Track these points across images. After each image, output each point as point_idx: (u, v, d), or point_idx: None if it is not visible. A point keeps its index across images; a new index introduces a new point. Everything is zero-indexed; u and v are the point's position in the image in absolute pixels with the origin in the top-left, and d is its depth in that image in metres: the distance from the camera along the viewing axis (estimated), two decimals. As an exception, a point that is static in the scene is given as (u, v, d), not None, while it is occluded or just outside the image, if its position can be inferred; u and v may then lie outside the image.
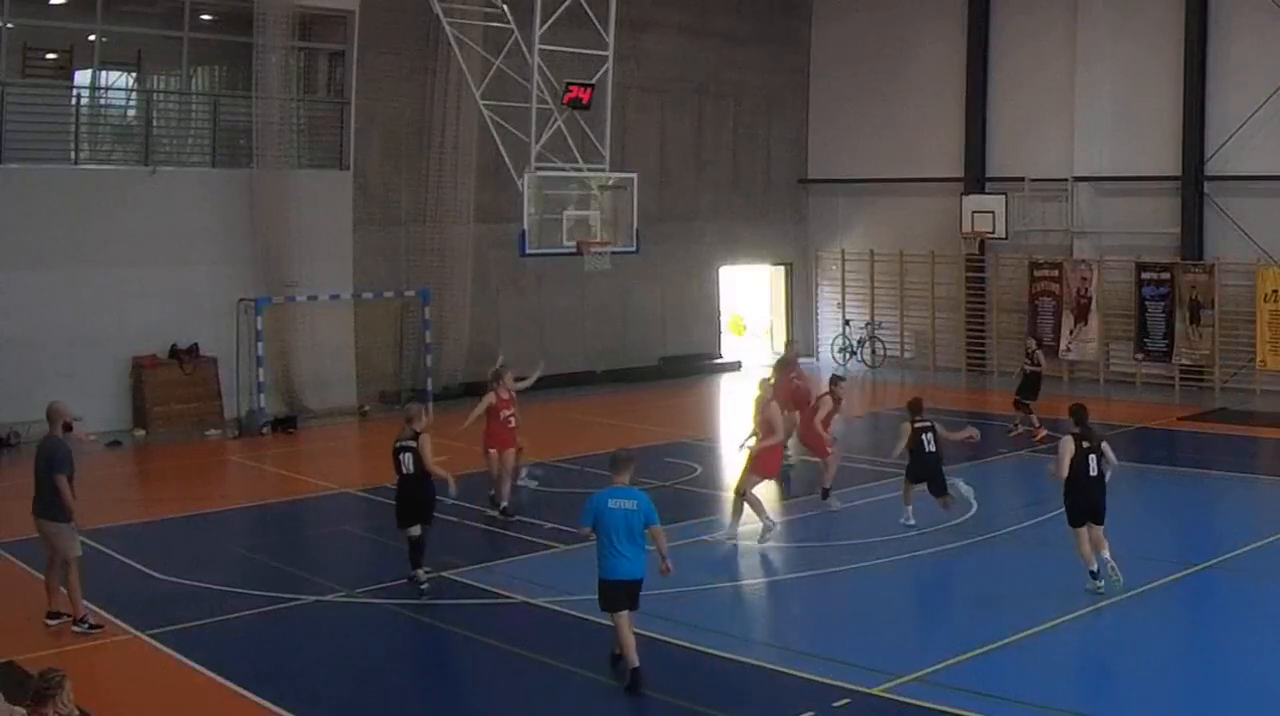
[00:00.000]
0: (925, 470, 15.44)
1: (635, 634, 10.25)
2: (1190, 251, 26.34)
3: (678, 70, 30.42)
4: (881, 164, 31.10)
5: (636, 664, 10.28)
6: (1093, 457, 12.78)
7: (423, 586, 12.76)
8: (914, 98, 30.69)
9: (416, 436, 12.76)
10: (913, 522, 15.28)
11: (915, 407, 15.69)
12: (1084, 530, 12.75)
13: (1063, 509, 12.93)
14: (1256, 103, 24.98)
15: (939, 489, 15.36)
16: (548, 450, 20.22)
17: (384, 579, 13.30)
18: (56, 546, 11.77)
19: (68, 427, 12.02)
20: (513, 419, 16.30)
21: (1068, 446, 12.74)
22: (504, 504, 16.02)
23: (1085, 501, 12.73)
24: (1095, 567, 12.67)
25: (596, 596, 10.50)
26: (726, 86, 31.49)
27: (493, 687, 10.46)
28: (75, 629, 11.67)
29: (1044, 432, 20.62)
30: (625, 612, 10.35)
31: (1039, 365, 21.93)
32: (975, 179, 29.59)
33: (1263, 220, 25.29)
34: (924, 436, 15.42)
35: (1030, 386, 21.69)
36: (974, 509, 15.76)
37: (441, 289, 25.95)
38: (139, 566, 13.90)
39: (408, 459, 12.73)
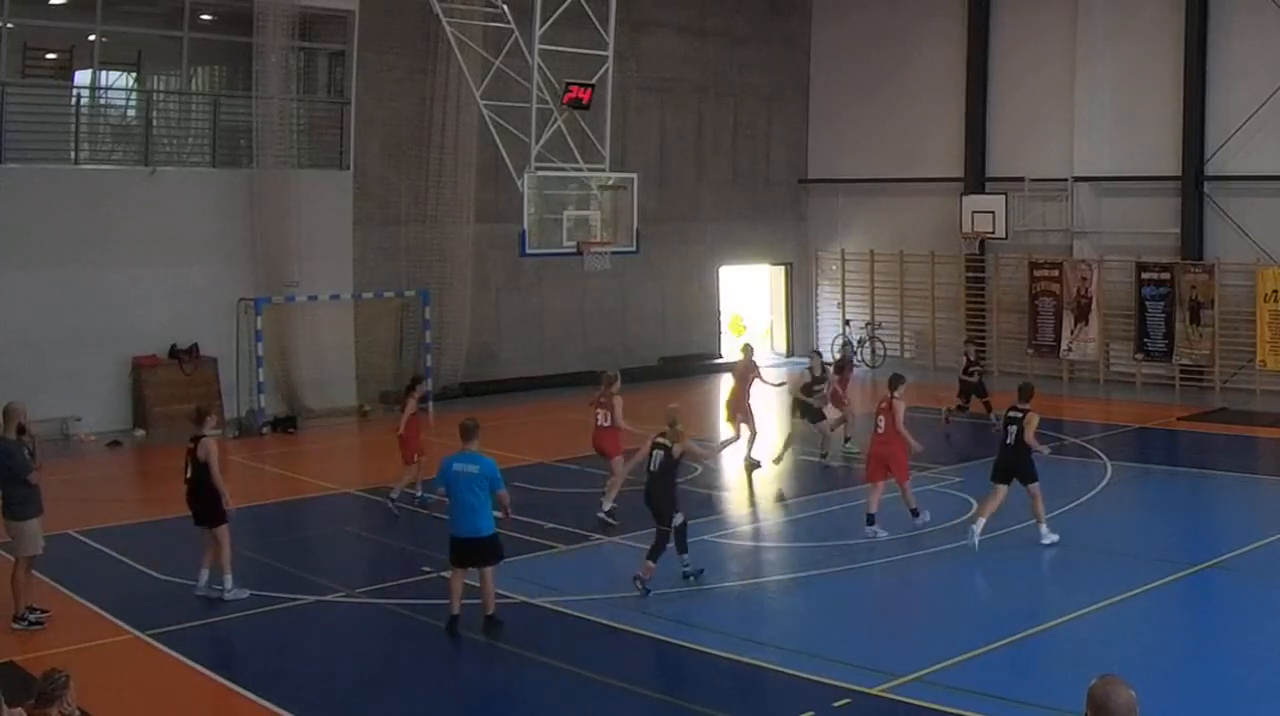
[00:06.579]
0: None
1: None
2: (1190, 251, 26.32)
3: (678, 70, 30.42)
4: (881, 164, 31.09)
5: (491, 611, 11.44)
6: None
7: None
8: (914, 98, 30.67)
9: None
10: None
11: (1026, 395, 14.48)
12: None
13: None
14: (1256, 103, 24.96)
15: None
16: (547, 450, 20.23)
17: (384, 579, 13.32)
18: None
19: (21, 430, 11.99)
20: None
21: None
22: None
23: None
24: None
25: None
26: (726, 86, 31.49)
27: (492, 687, 10.45)
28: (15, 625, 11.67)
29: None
30: (464, 570, 11.39)
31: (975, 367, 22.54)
32: (975, 179, 29.57)
33: (1263, 220, 25.26)
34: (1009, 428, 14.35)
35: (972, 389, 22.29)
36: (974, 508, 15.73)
37: (441, 289, 25.95)
38: (139, 566, 13.91)
39: None
